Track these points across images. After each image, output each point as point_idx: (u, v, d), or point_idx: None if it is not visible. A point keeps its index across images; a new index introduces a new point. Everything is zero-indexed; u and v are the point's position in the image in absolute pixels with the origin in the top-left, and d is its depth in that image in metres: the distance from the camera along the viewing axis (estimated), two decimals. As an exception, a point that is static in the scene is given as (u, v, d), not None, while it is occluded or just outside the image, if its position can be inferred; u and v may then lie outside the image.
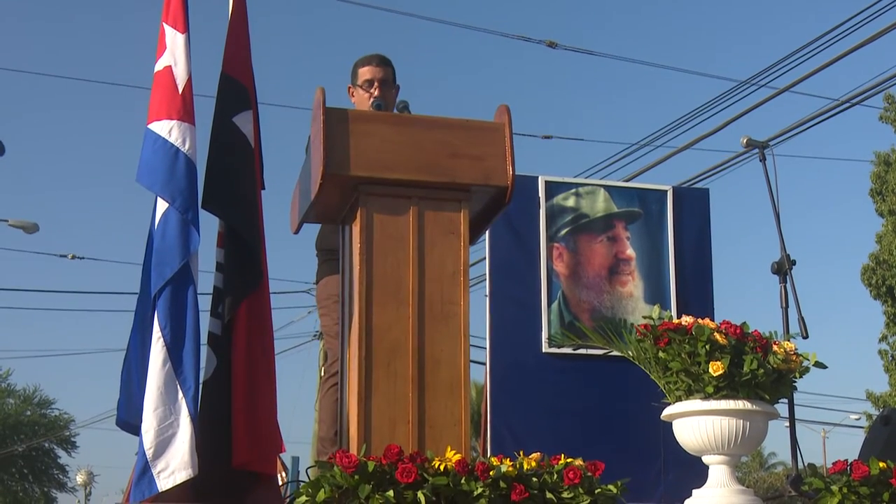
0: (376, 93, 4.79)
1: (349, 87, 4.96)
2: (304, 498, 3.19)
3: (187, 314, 3.96)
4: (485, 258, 6.12)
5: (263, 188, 4.44)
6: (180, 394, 3.85)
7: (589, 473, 3.40)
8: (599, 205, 6.14)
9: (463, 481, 3.21)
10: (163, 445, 3.81)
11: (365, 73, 4.87)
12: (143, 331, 3.99)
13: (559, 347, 5.75)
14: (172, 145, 4.09)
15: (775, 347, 3.82)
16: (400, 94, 4.92)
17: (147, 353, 3.91)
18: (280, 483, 4.58)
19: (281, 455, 4.51)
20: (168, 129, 4.11)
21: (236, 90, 4.37)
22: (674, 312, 5.81)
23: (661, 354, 3.80)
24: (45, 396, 40.60)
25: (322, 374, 5.43)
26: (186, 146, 4.11)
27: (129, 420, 3.94)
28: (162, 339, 3.88)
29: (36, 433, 39.53)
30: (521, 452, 3.43)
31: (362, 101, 4.83)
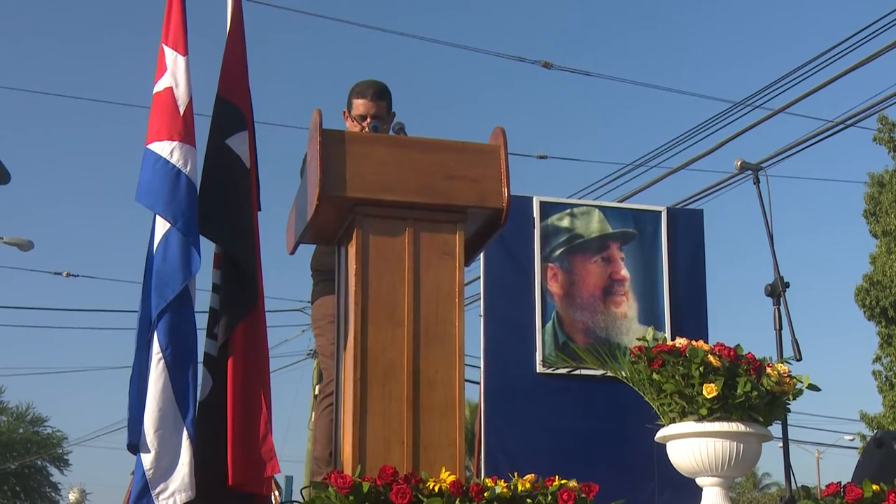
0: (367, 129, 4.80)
1: (344, 112, 4.98)
2: (298, 519, 3.19)
3: (188, 336, 3.97)
4: (479, 277, 6.14)
5: (260, 209, 4.46)
6: (181, 415, 3.86)
7: (583, 495, 3.41)
8: (594, 225, 6.17)
9: (457, 502, 3.22)
10: (163, 467, 3.81)
11: (359, 106, 4.87)
12: (143, 352, 3.99)
13: (553, 368, 5.75)
14: (174, 166, 4.11)
15: (769, 370, 3.84)
16: (396, 116, 4.95)
17: (146, 375, 3.91)
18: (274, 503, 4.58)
19: (275, 475, 4.50)
20: (169, 151, 4.13)
21: (230, 112, 4.38)
22: (668, 333, 5.83)
23: (655, 376, 3.82)
24: (38, 414, 40.55)
25: (316, 393, 5.44)
26: (188, 168, 4.14)
27: (135, 442, 3.94)
28: (163, 361, 3.89)
29: (28, 451, 39.38)
30: (516, 474, 3.43)
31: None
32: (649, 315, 6.07)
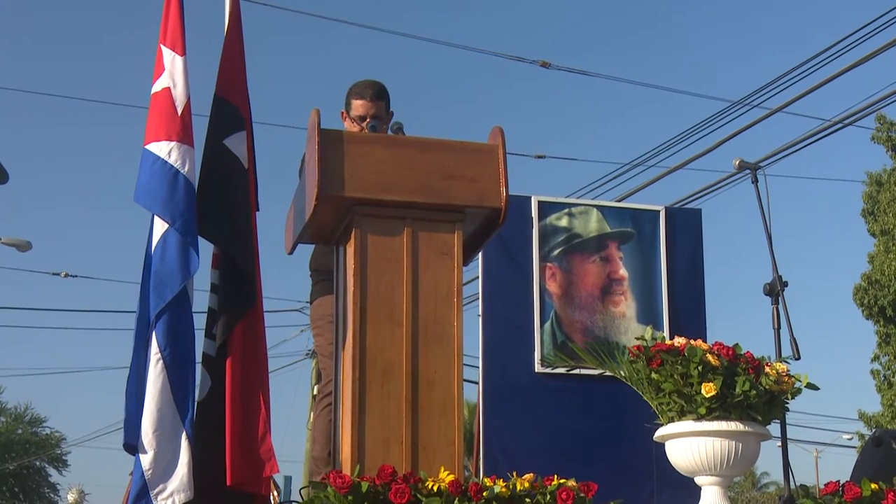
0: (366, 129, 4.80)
1: (342, 112, 4.98)
2: (297, 519, 3.19)
3: (186, 336, 3.97)
4: (477, 277, 6.14)
5: (258, 209, 4.45)
6: (179, 416, 3.86)
7: (582, 494, 3.41)
8: (592, 225, 6.17)
9: (456, 502, 3.22)
10: (161, 468, 3.81)
11: (358, 107, 4.88)
12: (141, 352, 3.99)
13: (552, 368, 5.75)
14: (172, 167, 4.11)
15: (767, 369, 3.84)
16: (394, 115, 4.95)
17: (144, 375, 3.91)
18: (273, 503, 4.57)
19: (274, 475, 4.50)
20: (167, 151, 4.13)
21: (228, 112, 4.38)
22: (666, 333, 5.83)
23: (653, 375, 3.81)
24: (37, 414, 40.58)
25: (315, 392, 5.46)
26: (186, 168, 4.13)
27: (131, 442, 3.94)
28: (161, 361, 3.88)
29: (27, 451, 39.37)
30: (515, 473, 3.43)
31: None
32: (648, 314, 6.07)
